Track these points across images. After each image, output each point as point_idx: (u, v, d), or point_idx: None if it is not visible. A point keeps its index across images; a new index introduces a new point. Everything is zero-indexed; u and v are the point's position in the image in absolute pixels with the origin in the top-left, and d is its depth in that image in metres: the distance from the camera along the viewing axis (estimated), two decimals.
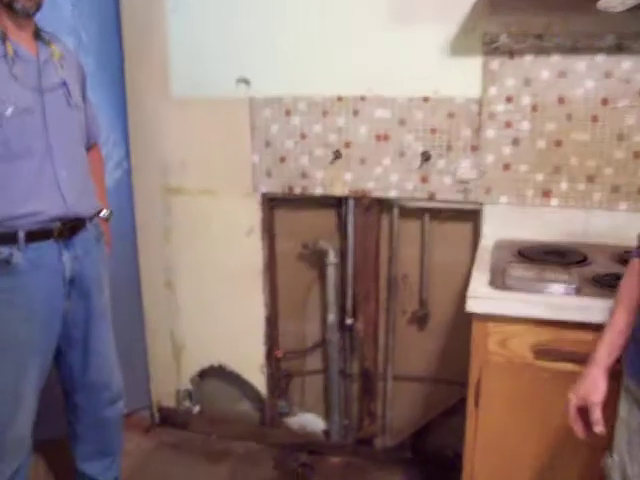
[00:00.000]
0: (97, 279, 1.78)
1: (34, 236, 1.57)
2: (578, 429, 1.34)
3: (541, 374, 1.57)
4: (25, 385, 1.65)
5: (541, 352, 1.56)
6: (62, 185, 1.61)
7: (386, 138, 2.11)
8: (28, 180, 1.55)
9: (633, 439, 1.27)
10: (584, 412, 1.32)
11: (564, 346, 1.54)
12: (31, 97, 1.56)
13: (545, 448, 1.61)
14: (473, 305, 1.57)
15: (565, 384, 1.53)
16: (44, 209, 1.58)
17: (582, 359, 1.51)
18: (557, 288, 1.58)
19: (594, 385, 1.31)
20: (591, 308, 1.50)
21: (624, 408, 1.31)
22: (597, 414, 1.29)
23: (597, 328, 1.48)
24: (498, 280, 1.65)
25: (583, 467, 1.59)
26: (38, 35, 1.62)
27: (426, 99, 2.04)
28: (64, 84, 1.64)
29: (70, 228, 1.65)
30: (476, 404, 1.64)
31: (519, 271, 1.68)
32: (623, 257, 1.81)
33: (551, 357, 1.55)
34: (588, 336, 1.51)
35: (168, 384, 2.61)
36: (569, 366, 1.53)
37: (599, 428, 1.28)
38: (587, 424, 1.32)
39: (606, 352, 1.32)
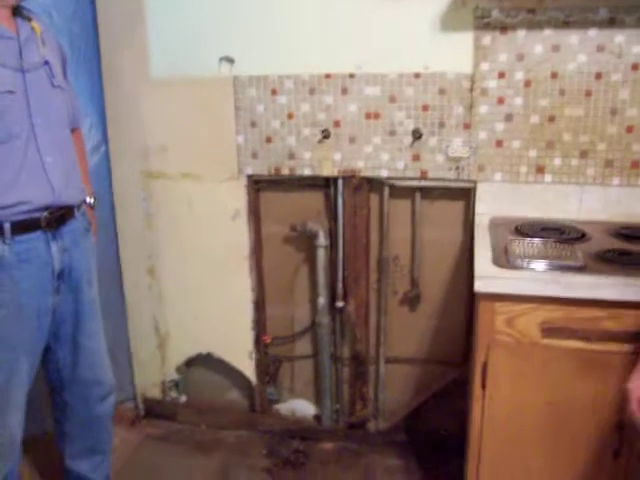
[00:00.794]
0: (87, 271, 1.69)
1: (21, 227, 1.47)
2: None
3: (549, 353, 1.55)
4: (15, 385, 1.56)
5: (549, 330, 1.55)
6: (49, 171, 1.50)
7: (376, 116, 2.05)
8: (12, 167, 1.45)
9: None
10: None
11: (572, 324, 1.53)
12: (12, 77, 1.44)
13: (554, 427, 1.60)
14: (480, 285, 1.54)
15: (574, 362, 1.55)
16: (31, 198, 1.47)
17: (591, 336, 1.52)
18: (563, 265, 1.57)
19: None
20: (599, 285, 1.49)
21: None
22: None
23: (605, 304, 1.48)
24: (501, 259, 1.63)
25: (592, 446, 1.59)
26: (17, 11, 1.50)
27: (417, 75, 1.99)
28: (46, 63, 1.53)
29: (58, 218, 1.55)
30: (483, 385, 1.62)
31: (522, 249, 1.66)
32: (620, 232, 1.82)
33: (559, 335, 1.54)
34: (596, 313, 1.50)
35: (153, 374, 2.54)
36: (578, 344, 1.53)
37: None
38: None
39: None
